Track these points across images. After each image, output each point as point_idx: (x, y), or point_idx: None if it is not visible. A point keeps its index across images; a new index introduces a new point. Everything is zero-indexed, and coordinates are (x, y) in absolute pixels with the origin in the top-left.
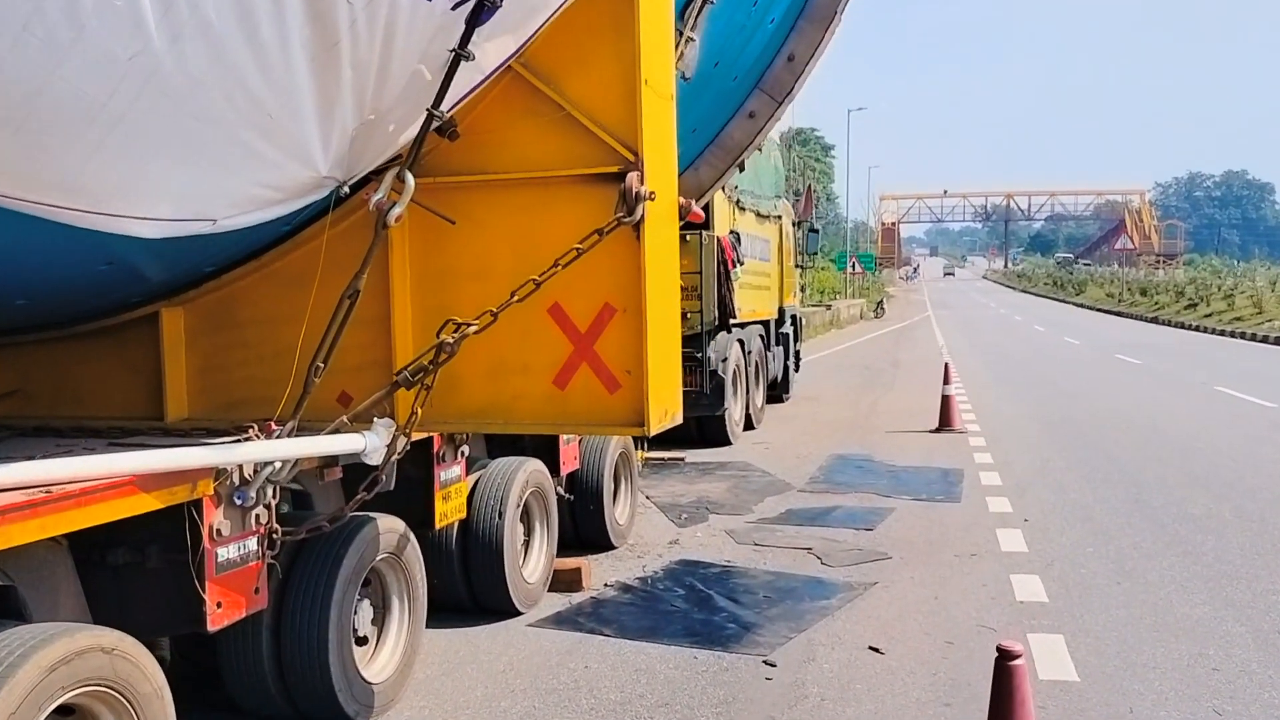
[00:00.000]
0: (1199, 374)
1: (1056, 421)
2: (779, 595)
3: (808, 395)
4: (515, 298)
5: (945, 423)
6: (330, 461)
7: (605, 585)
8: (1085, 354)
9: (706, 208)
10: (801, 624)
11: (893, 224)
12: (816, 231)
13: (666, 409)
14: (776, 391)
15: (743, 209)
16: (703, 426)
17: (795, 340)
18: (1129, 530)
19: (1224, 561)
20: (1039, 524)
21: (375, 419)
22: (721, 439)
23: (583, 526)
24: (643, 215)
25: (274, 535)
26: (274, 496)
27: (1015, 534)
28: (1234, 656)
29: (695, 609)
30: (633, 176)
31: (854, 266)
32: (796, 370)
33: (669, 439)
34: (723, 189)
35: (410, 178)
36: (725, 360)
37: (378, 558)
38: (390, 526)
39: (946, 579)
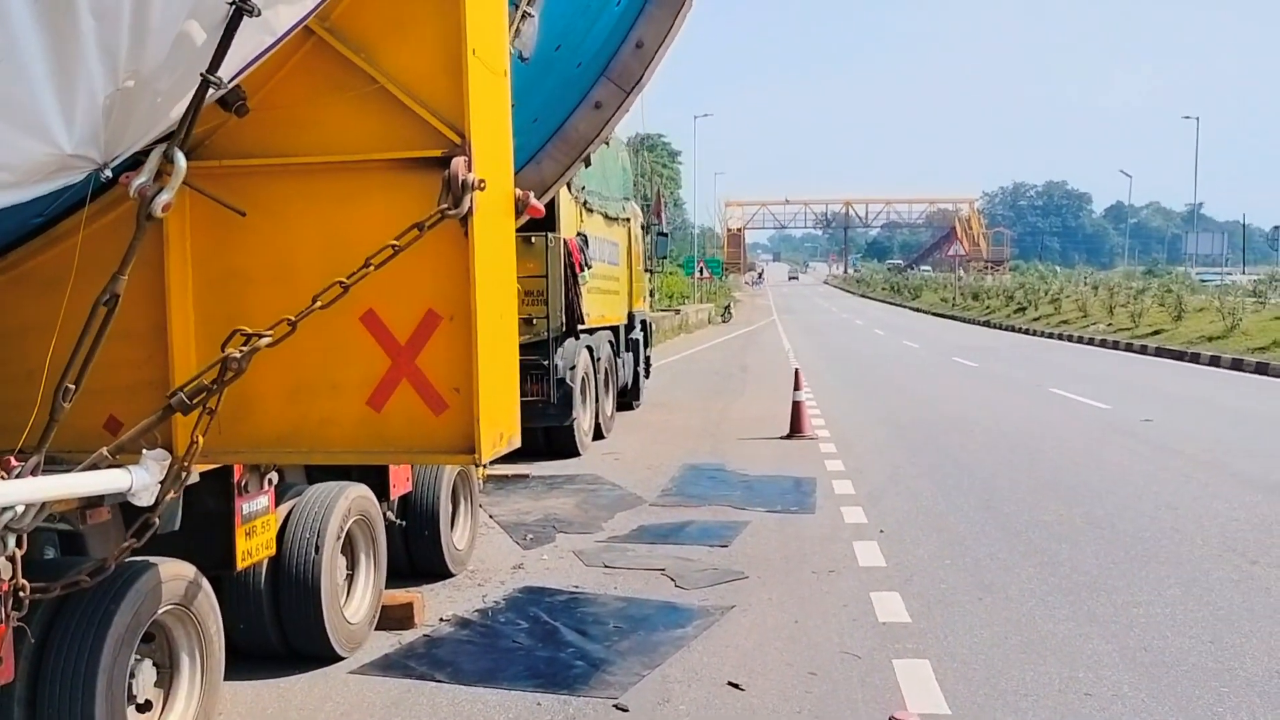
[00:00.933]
0: (1033, 376)
1: (904, 425)
2: (631, 625)
3: (658, 402)
4: (318, 304)
5: (796, 429)
6: (93, 502)
7: (441, 620)
8: (925, 357)
9: (552, 208)
10: (655, 658)
11: (738, 230)
12: (666, 235)
13: (502, 432)
14: (627, 398)
15: (590, 211)
16: (550, 437)
17: (646, 346)
18: (984, 539)
19: (1080, 571)
20: (895, 535)
21: (145, 451)
22: (570, 450)
23: (417, 554)
24: (471, 207)
25: (20, 594)
26: (19, 546)
27: (872, 547)
28: (1105, 679)
29: (540, 645)
30: (458, 162)
31: (702, 271)
32: (647, 376)
33: (514, 452)
34: (569, 189)
35: (181, 158)
36: (573, 368)
37: (160, 610)
38: (176, 573)
39: (806, 599)
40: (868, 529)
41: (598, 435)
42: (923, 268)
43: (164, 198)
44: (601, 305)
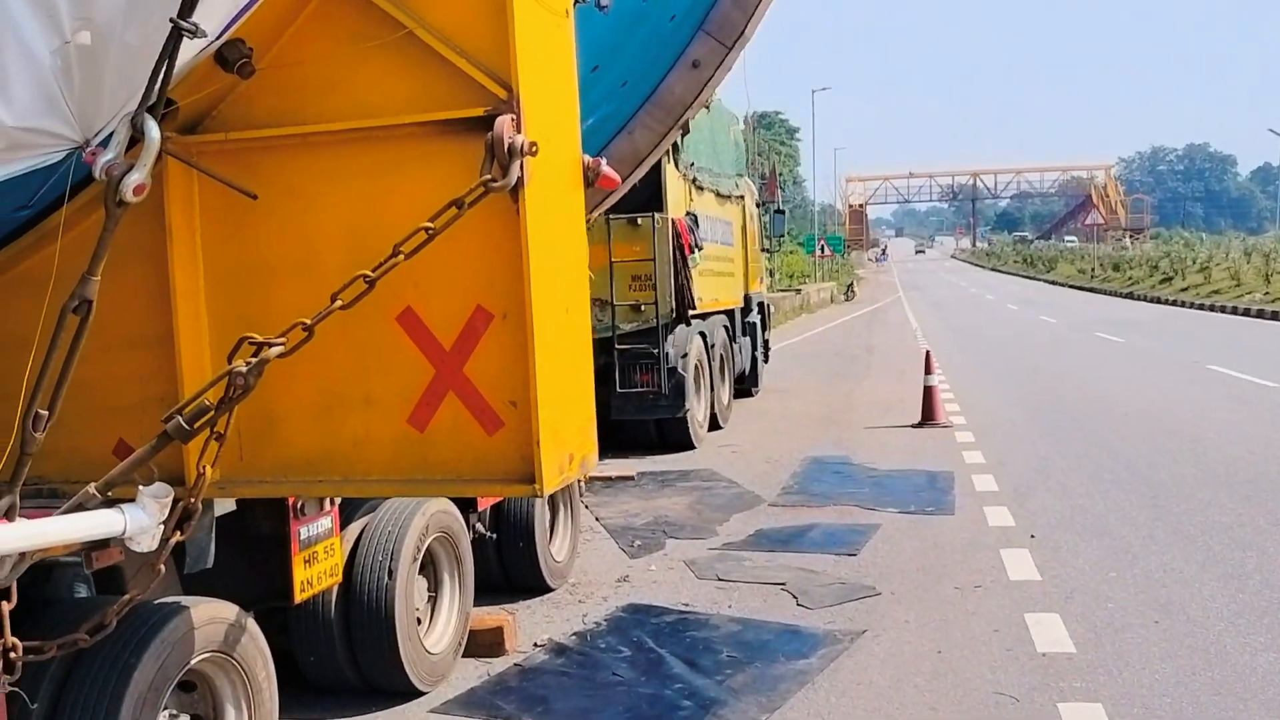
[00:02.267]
0: (1187, 351)
1: (1047, 410)
2: (746, 653)
3: (778, 387)
4: (338, 303)
5: (928, 416)
6: (96, 545)
7: (535, 645)
8: (1064, 333)
9: (658, 186)
10: (774, 698)
11: (859, 206)
12: (783, 213)
13: (571, 453)
14: (745, 385)
15: (701, 188)
16: (663, 430)
17: (764, 329)
18: (1153, 546)
19: (1274, 586)
20: (1048, 540)
21: (141, 488)
22: (685, 443)
23: (512, 568)
24: (522, 177)
25: (10, 655)
26: (6, 600)
27: (1022, 555)
28: None
29: (642, 678)
30: (503, 121)
31: (823, 249)
32: (765, 361)
33: (626, 445)
34: (677, 166)
35: (153, 127)
36: (685, 356)
37: (195, 659)
38: (213, 615)
39: (949, 622)
40: (1016, 533)
41: (714, 426)
42: (1067, 238)
43: (134, 178)
44: (715, 288)
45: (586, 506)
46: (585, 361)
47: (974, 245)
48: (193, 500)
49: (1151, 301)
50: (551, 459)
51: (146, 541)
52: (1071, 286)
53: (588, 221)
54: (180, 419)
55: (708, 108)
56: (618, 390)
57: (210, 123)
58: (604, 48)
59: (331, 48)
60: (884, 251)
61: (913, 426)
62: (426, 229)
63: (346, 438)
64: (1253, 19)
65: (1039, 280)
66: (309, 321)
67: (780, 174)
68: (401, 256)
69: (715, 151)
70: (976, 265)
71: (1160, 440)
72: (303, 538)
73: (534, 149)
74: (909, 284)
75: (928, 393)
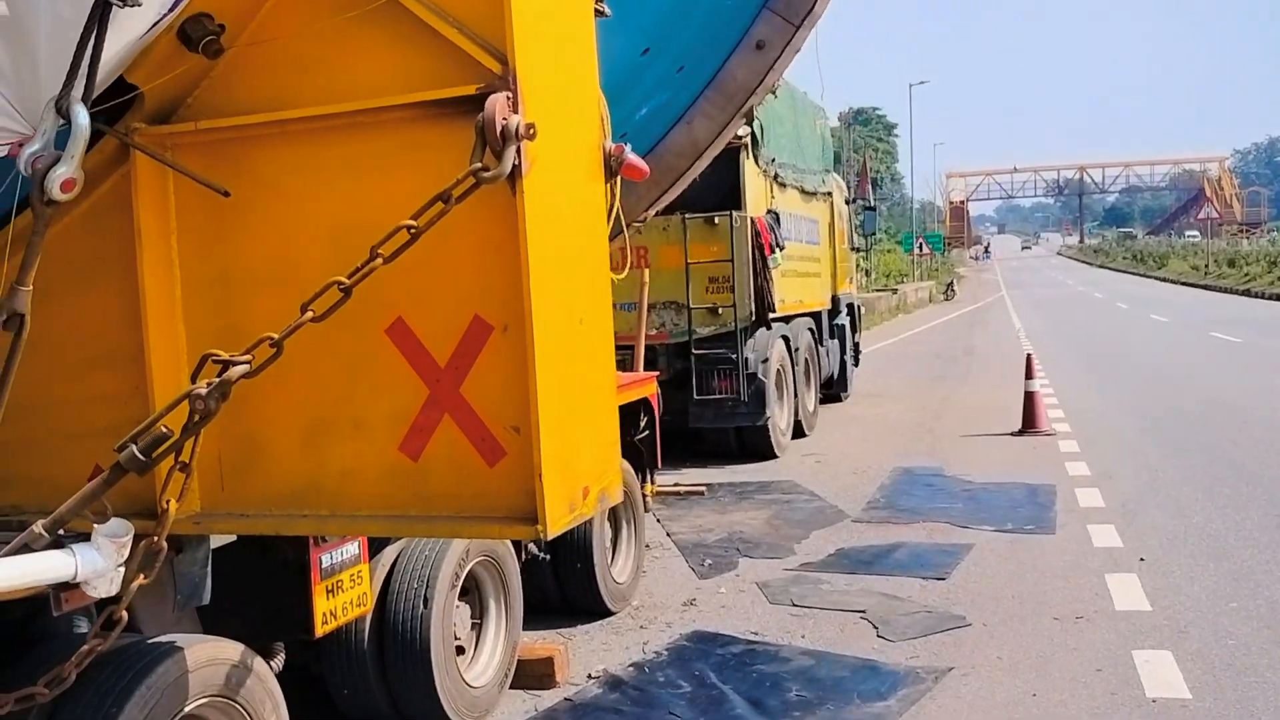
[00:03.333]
0: None
1: (1158, 417)
2: (817, 693)
3: (870, 392)
4: (309, 314)
5: (1029, 424)
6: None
7: (589, 677)
8: (1176, 333)
9: (736, 183)
10: None
11: (960, 202)
12: (874, 210)
13: (587, 486)
14: (833, 390)
15: (783, 185)
16: (743, 438)
17: (854, 331)
18: None
19: None
20: (1159, 564)
21: (96, 526)
22: (765, 452)
23: (570, 591)
24: (519, 165)
25: None
26: None
27: (1130, 581)
28: None
29: (700, 718)
30: (495, 101)
31: (921, 248)
32: (855, 365)
33: (703, 454)
34: (757, 162)
35: (81, 114)
36: (766, 361)
37: (190, 705)
38: (212, 655)
39: (1047, 660)
40: (1123, 556)
41: (798, 433)
42: (1188, 233)
43: (60, 172)
44: (799, 289)
45: (658, 520)
46: (605, 379)
47: (1081, 241)
48: (155, 539)
49: (1271, 299)
50: (558, 494)
51: (104, 586)
52: (1183, 284)
53: (643, 220)
54: (135, 448)
55: (774, 93)
56: (695, 397)
57: (185, 112)
58: (656, 29)
59: (309, 21)
60: (986, 249)
61: (1013, 435)
62: (409, 228)
63: (334, 467)
64: None
65: (1149, 277)
66: (276, 336)
67: (876, 171)
68: (380, 260)
69: (799, 146)
70: (1083, 262)
71: None
72: (325, 565)
73: (531, 132)
74: (1012, 282)
75: (1029, 398)
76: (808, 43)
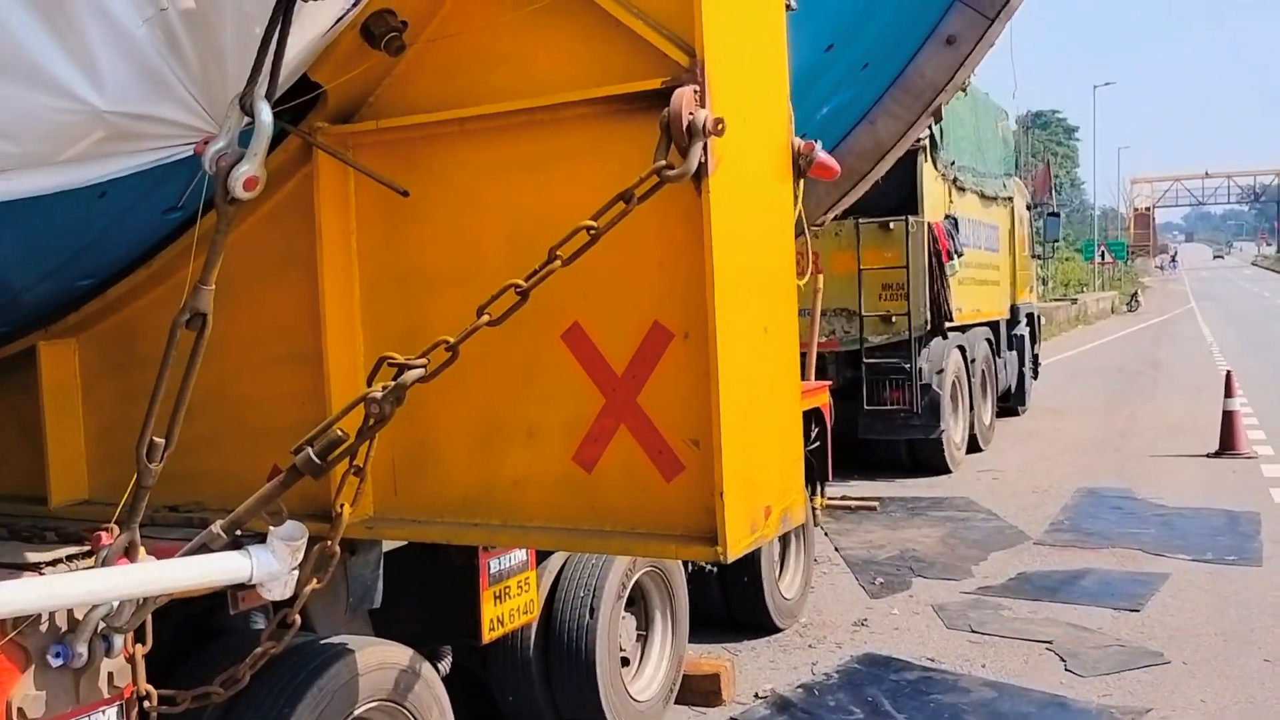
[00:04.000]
0: None
1: None
2: None
3: (1049, 406)
4: (485, 317)
5: (1228, 445)
6: (240, 585)
7: (756, 697)
8: None
9: (913, 187)
10: None
11: (1146, 209)
12: (1057, 216)
13: (769, 505)
14: (1010, 403)
15: (962, 189)
16: (915, 451)
17: (1033, 342)
18: None
19: None
20: None
21: (271, 529)
22: (939, 466)
23: (736, 605)
24: (705, 163)
25: (145, 704)
26: (142, 643)
27: None
28: None
29: None
30: (682, 94)
31: (1103, 256)
32: (1035, 377)
33: (873, 467)
34: (935, 165)
35: (264, 110)
36: (941, 372)
37: (358, 709)
38: (382, 659)
39: (1257, 705)
40: None
41: (973, 448)
42: None
43: (244, 169)
44: (976, 298)
45: (826, 534)
46: (790, 392)
47: (1279, 251)
48: (329, 543)
49: None
50: (739, 513)
51: (278, 589)
52: None
53: (821, 224)
54: (310, 451)
55: (964, 91)
56: (865, 407)
57: (367, 111)
58: (841, 24)
59: (491, 16)
60: (1173, 258)
61: (1208, 456)
62: (589, 229)
63: (506, 474)
64: None
65: None
66: (452, 340)
67: (1055, 176)
68: (558, 262)
69: (980, 148)
70: None
71: None
72: (493, 571)
73: (720, 127)
74: (1202, 294)
75: (1228, 418)
76: (1001, 38)
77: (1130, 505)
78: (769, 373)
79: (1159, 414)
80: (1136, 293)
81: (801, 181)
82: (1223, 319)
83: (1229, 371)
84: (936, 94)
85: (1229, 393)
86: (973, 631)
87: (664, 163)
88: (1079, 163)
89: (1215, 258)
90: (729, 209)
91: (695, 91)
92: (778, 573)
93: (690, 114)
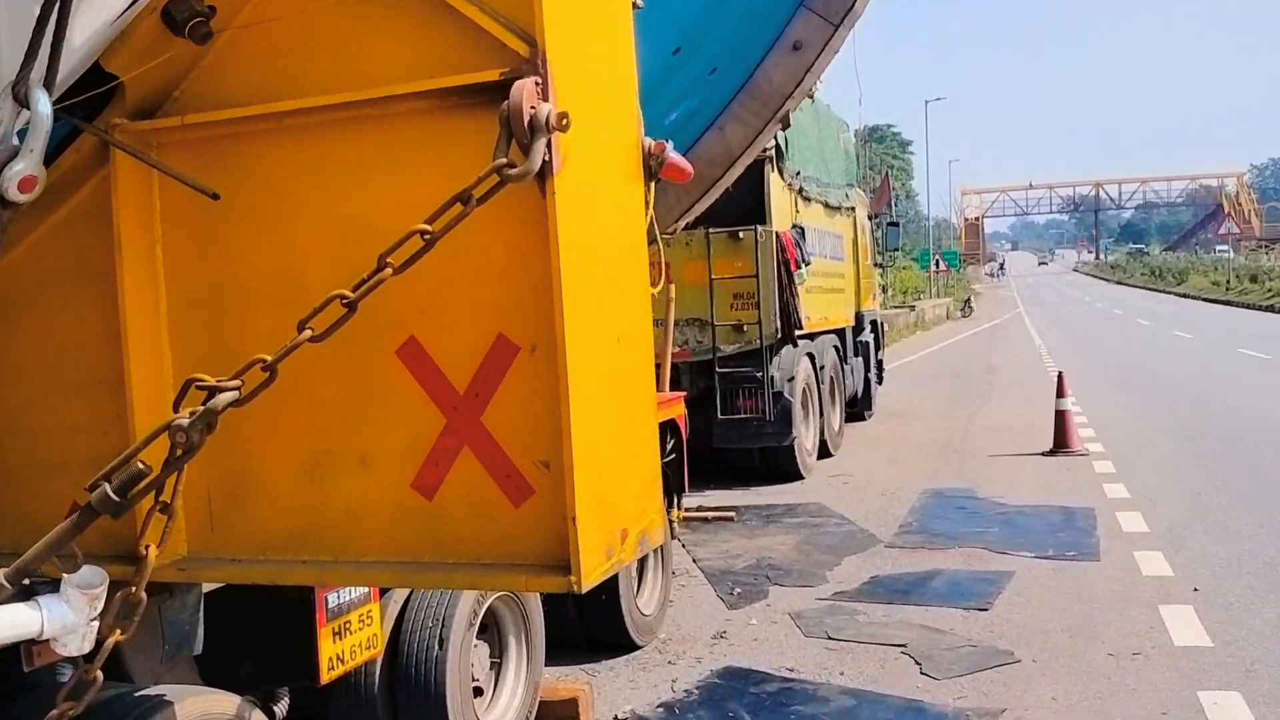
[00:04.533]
0: None
1: (1195, 437)
2: None
3: (893, 411)
4: (307, 333)
5: (1061, 443)
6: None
7: (616, 719)
8: (1202, 349)
9: (761, 197)
10: None
11: (975, 219)
12: (897, 225)
13: (626, 528)
14: (857, 409)
15: (808, 199)
16: (768, 459)
17: (877, 349)
18: None
19: None
20: (1215, 595)
21: (66, 576)
22: (792, 473)
23: (594, 624)
24: (548, 161)
25: None
26: None
27: (1186, 614)
28: None
29: None
30: (523, 87)
31: (938, 264)
32: (879, 383)
33: (728, 476)
34: (782, 175)
35: (41, 99)
36: (792, 379)
37: None
38: (207, 709)
39: (1105, 700)
40: (1175, 585)
41: (823, 453)
42: (1219, 248)
43: (19, 168)
44: (824, 306)
45: (683, 545)
46: (645, 406)
47: (1097, 258)
48: (134, 590)
49: None
50: (594, 539)
51: (75, 643)
52: (1204, 299)
53: (672, 231)
54: (108, 487)
55: (811, 97)
56: (719, 417)
57: (172, 106)
58: (687, 27)
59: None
60: (1001, 266)
61: (1044, 454)
62: (423, 233)
63: (338, 505)
64: None
65: (1168, 293)
66: (270, 359)
67: (894, 188)
68: (389, 270)
69: (823, 159)
70: (1100, 279)
71: None
72: (331, 606)
73: (565, 122)
74: (1029, 299)
75: (1060, 417)
76: (846, 45)
77: (974, 505)
78: (623, 386)
79: (996, 415)
80: (970, 299)
81: (653, 186)
82: (1049, 323)
83: (1060, 373)
84: (784, 100)
85: (1061, 393)
86: (829, 638)
87: (505, 160)
88: (913, 175)
89: (1040, 264)
90: (576, 211)
91: (537, 84)
92: (636, 589)
93: (532, 108)
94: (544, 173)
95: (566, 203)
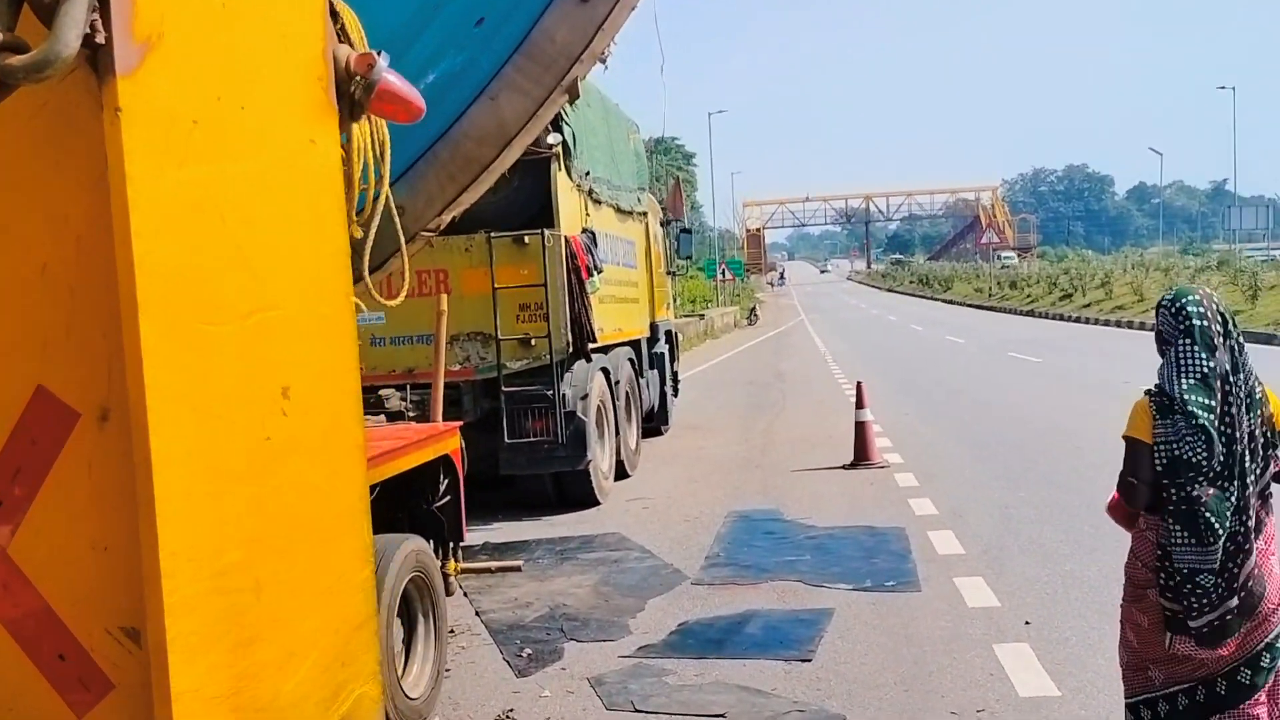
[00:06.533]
0: (1112, 371)
1: (989, 444)
2: None
3: (690, 423)
4: None
5: (861, 456)
6: None
7: None
8: (976, 354)
9: (548, 197)
10: None
11: (757, 230)
12: (689, 232)
13: None
14: (653, 423)
15: (599, 202)
16: (561, 485)
17: (672, 360)
18: None
19: None
20: (1048, 630)
21: None
22: (587, 499)
23: None
24: (103, 43)
25: None
26: None
27: (1024, 654)
28: None
29: None
30: None
31: (724, 274)
32: (675, 395)
33: (517, 505)
34: (570, 175)
35: None
36: (586, 397)
37: None
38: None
39: None
40: (1005, 618)
41: (620, 474)
42: (1005, 255)
43: None
44: (618, 317)
45: (465, 594)
46: (351, 497)
47: (869, 267)
48: None
49: (1054, 319)
50: None
51: None
52: (969, 305)
53: (435, 229)
54: None
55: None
56: (506, 440)
57: None
58: None
59: None
60: (782, 275)
61: (845, 468)
62: None
63: None
64: (1127, 41)
65: (936, 300)
66: None
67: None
68: None
69: (614, 160)
70: (873, 286)
71: None
72: None
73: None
74: (810, 306)
75: (860, 429)
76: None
77: (781, 528)
78: (291, 473)
79: (791, 426)
80: (755, 308)
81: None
82: (830, 330)
83: (860, 384)
84: (570, 64)
85: (860, 404)
86: (636, 710)
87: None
88: (697, 186)
89: (822, 273)
90: (175, 145)
91: None
92: (401, 667)
93: None
94: (98, 66)
95: (154, 128)
